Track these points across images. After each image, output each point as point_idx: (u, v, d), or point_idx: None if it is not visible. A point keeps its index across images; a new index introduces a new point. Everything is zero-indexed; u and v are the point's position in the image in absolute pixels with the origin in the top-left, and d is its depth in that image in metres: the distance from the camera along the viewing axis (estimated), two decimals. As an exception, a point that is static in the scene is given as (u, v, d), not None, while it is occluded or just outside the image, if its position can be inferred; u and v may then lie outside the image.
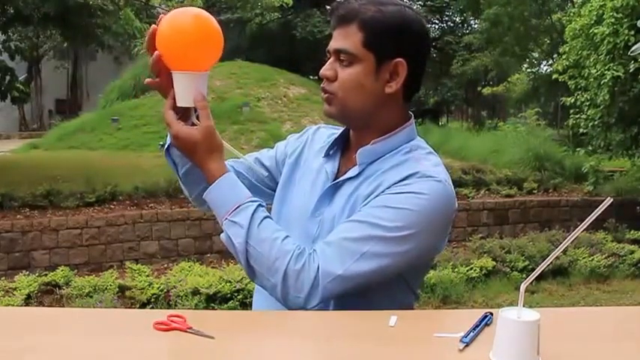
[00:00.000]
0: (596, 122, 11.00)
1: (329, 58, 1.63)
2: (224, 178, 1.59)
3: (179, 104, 1.59)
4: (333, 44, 1.62)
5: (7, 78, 11.55)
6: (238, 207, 1.54)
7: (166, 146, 1.74)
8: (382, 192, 1.54)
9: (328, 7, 1.70)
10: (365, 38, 1.57)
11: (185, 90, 1.58)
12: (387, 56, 1.58)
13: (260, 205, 1.57)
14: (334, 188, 1.66)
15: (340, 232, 1.52)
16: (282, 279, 1.48)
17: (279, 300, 1.52)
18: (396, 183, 1.54)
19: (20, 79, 13.05)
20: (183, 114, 1.61)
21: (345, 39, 1.59)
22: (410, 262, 1.55)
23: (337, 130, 1.78)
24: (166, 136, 1.71)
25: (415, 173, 1.54)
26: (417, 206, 1.50)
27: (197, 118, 1.63)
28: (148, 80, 1.62)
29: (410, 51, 1.60)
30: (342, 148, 1.74)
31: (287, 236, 1.53)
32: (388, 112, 1.63)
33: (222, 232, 1.58)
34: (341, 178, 1.65)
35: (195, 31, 1.54)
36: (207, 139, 1.58)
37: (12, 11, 11.72)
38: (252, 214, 1.53)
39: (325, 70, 1.62)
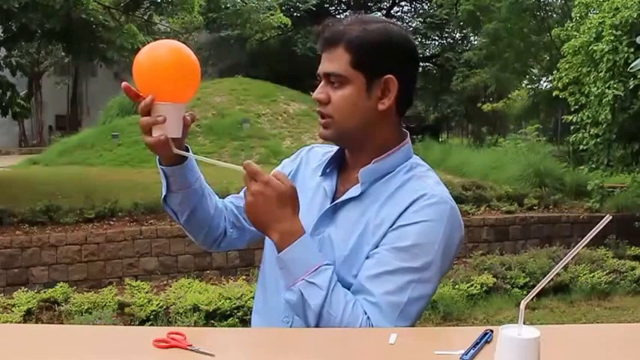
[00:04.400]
0: (597, 139, 11.00)
1: (320, 82, 1.64)
2: (306, 237, 1.56)
3: (172, 135, 1.59)
4: (322, 68, 1.62)
5: (8, 94, 11.57)
6: (318, 268, 1.52)
7: (163, 197, 1.74)
8: (395, 222, 1.55)
9: (346, 15, 1.70)
10: (352, 59, 1.58)
11: (176, 120, 1.60)
12: (377, 74, 1.59)
13: (334, 270, 1.55)
14: (335, 208, 1.66)
15: (379, 287, 1.51)
16: None
17: None
18: (405, 209, 1.55)
19: (21, 94, 13.07)
20: (167, 144, 1.60)
21: (333, 62, 1.60)
22: (435, 289, 1.59)
23: (332, 149, 1.78)
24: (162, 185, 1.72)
25: (422, 196, 1.55)
26: (434, 235, 1.53)
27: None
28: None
29: (398, 66, 1.61)
30: (338, 166, 1.74)
31: (356, 300, 1.51)
32: (384, 130, 1.64)
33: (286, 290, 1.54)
34: (342, 198, 1.65)
35: (178, 58, 1.58)
36: (295, 195, 1.58)
37: (16, 27, 11.77)
38: (332, 277, 1.52)
39: (318, 94, 1.63)
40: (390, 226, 1.55)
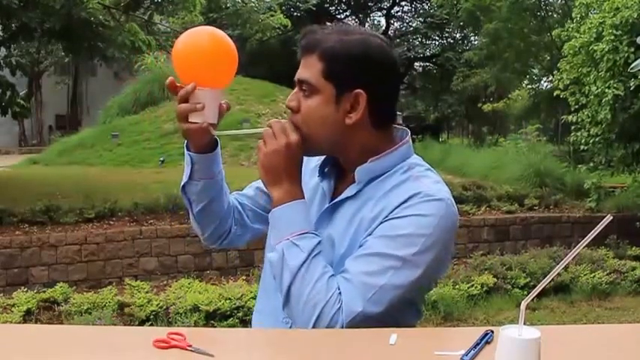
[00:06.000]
0: (597, 139, 11.00)
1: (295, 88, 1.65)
2: (303, 202, 1.60)
3: (210, 121, 1.64)
4: (297, 74, 1.62)
5: (8, 93, 11.56)
6: (305, 233, 1.55)
7: (183, 184, 1.78)
8: (387, 216, 1.54)
9: (328, 24, 1.70)
10: (324, 69, 1.57)
11: (214, 106, 1.65)
12: (347, 87, 1.57)
13: (320, 242, 1.56)
14: (333, 208, 1.65)
15: (357, 266, 1.52)
16: (318, 314, 1.48)
17: (305, 323, 1.51)
18: (399, 205, 1.54)
19: (21, 94, 13.07)
20: (204, 130, 1.65)
21: (306, 69, 1.60)
22: (423, 284, 1.58)
23: None
24: (184, 170, 1.76)
25: (417, 193, 1.54)
26: (424, 229, 1.51)
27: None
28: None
29: (370, 81, 1.58)
30: (336, 166, 1.73)
31: (334, 275, 1.52)
32: (356, 143, 1.62)
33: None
34: (339, 198, 1.65)
35: (218, 44, 1.64)
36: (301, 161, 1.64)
37: (15, 25, 11.77)
38: (316, 245, 1.54)
39: (289, 101, 1.63)
40: (383, 219, 1.55)
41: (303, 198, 1.61)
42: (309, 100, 1.59)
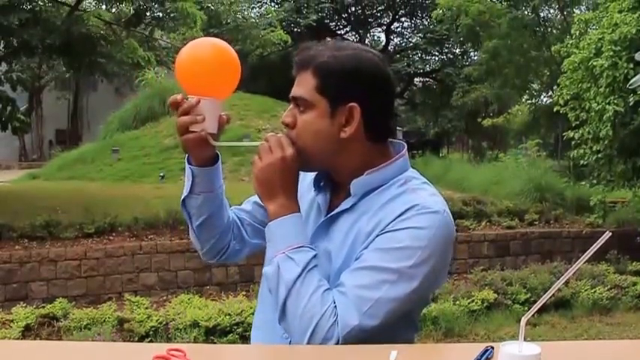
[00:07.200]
0: (599, 155, 11.00)
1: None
2: (299, 216, 1.61)
3: (209, 131, 1.66)
4: (292, 91, 1.64)
5: (9, 108, 11.57)
6: (301, 247, 1.55)
7: (183, 197, 1.79)
8: (384, 229, 1.54)
9: (328, 39, 1.71)
10: (318, 84, 1.58)
11: (214, 117, 1.67)
12: (341, 101, 1.58)
13: (316, 256, 1.57)
14: (329, 221, 1.66)
15: (352, 280, 1.52)
16: (313, 328, 1.47)
17: (300, 337, 1.51)
18: (396, 218, 1.54)
19: (21, 109, 13.09)
20: (203, 141, 1.67)
21: (300, 86, 1.61)
22: (419, 297, 1.57)
23: None
24: (184, 184, 1.77)
25: (414, 206, 1.54)
26: (420, 241, 1.51)
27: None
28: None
29: (363, 95, 1.59)
30: (331, 179, 1.73)
31: (330, 289, 1.52)
32: (351, 156, 1.63)
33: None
34: (335, 211, 1.65)
35: (221, 54, 1.68)
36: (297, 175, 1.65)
37: (17, 42, 11.81)
38: (311, 259, 1.54)
39: (285, 118, 1.65)
40: (379, 232, 1.55)
41: (299, 212, 1.61)
42: (304, 116, 1.61)
